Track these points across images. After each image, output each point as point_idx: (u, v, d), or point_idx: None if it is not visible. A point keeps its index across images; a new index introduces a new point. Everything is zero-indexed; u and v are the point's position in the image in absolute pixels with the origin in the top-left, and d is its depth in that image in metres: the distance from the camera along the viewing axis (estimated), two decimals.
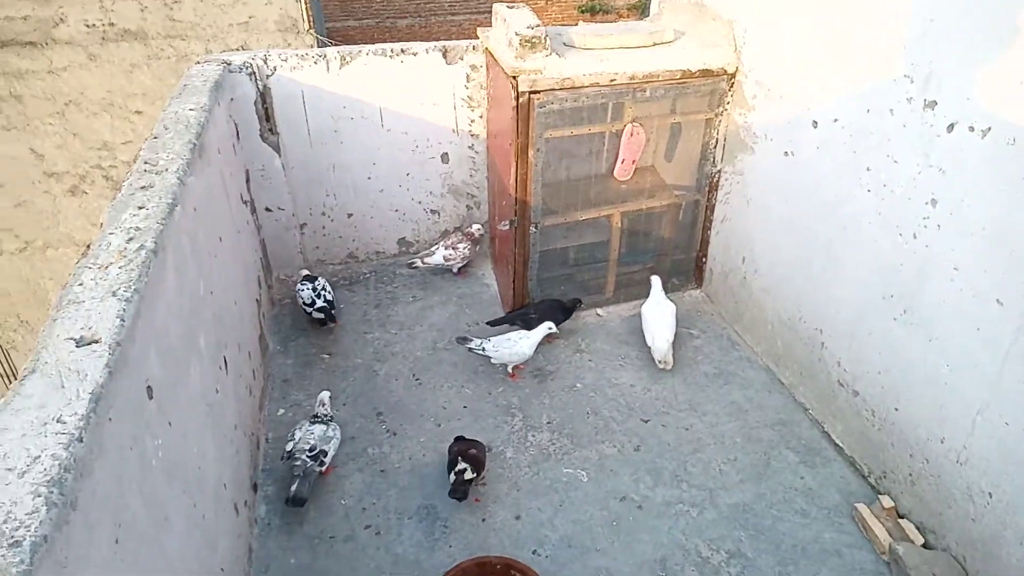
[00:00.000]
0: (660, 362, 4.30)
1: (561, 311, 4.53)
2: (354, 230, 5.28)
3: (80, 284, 2.23)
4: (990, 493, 2.85)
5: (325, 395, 3.76)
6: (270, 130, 4.77)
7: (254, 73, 4.62)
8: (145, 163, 3.10)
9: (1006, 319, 2.69)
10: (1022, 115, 2.54)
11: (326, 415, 3.67)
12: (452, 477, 3.33)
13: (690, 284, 5.11)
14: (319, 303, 4.56)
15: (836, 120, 3.47)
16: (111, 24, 9.60)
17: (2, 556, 1.30)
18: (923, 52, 2.92)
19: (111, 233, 2.55)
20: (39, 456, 1.53)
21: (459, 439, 3.55)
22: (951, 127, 2.84)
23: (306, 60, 4.68)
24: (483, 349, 4.13)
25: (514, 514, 3.41)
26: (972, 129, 2.75)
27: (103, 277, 2.27)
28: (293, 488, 3.35)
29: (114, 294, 2.18)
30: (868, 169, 3.30)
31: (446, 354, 4.45)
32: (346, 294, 5.04)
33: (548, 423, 3.94)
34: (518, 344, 4.14)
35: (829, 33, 3.45)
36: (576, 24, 4.91)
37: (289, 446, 3.51)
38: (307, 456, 3.43)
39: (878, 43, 3.14)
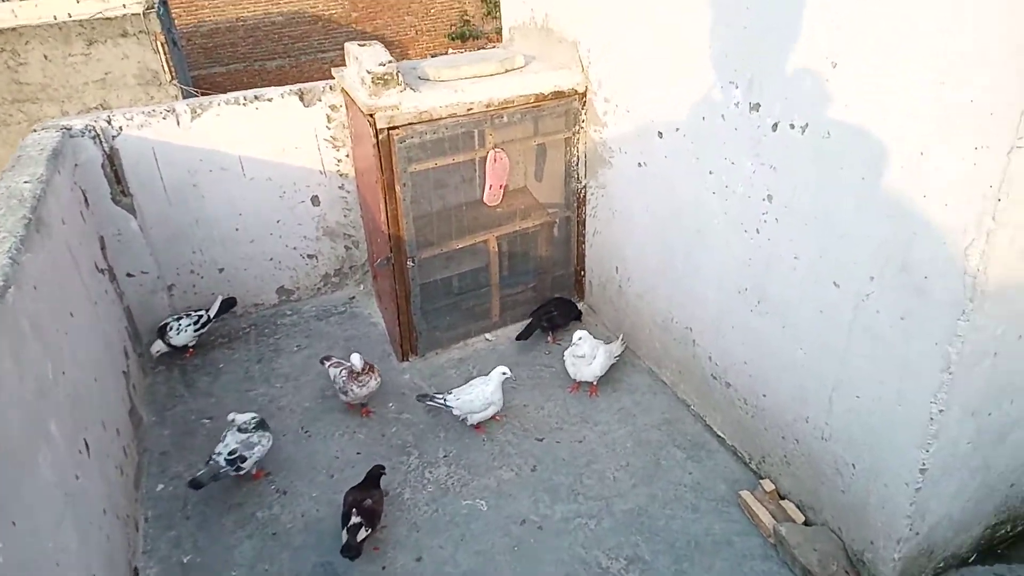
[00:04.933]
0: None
1: (572, 308, 4.89)
2: (228, 284, 5.09)
3: None
4: (853, 464, 3.03)
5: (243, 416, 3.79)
6: (122, 192, 4.55)
7: (98, 136, 4.41)
8: None
9: (844, 299, 2.89)
10: (831, 110, 2.75)
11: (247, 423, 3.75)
12: (345, 535, 3.23)
13: (572, 298, 5.22)
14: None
15: (678, 129, 3.65)
16: None
17: None
18: (742, 59, 3.12)
19: None
20: None
21: (358, 486, 3.45)
22: (775, 126, 3.04)
23: (154, 116, 4.51)
24: (444, 402, 3.94)
25: (415, 556, 3.34)
26: (792, 126, 2.95)
27: None
28: (199, 473, 3.54)
29: None
30: (711, 173, 3.49)
31: (336, 401, 4.33)
32: (225, 352, 4.84)
33: (444, 456, 3.90)
34: (479, 391, 3.91)
35: (661, 48, 3.63)
36: (448, 52, 4.95)
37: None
38: (224, 459, 3.57)
39: (704, 53, 3.33)
